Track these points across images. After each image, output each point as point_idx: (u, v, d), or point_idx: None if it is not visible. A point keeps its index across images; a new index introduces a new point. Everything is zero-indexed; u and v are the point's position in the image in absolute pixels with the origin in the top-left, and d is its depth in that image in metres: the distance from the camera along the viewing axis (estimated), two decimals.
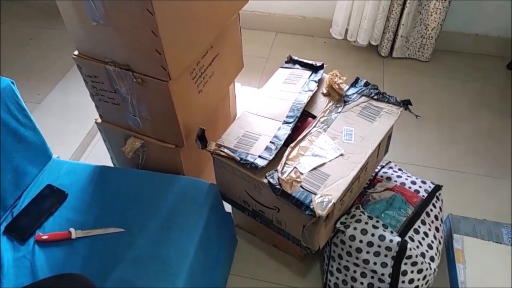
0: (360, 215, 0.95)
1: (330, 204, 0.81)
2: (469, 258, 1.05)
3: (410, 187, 1.06)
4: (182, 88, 0.84)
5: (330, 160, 0.90)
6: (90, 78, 0.90)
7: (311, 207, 0.80)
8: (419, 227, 0.98)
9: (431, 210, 1.02)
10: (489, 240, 1.09)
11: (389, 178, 1.09)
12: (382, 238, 0.90)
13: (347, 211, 0.98)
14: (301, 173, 0.87)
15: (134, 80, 0.81)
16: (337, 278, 0.99)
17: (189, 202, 0.91)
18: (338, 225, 0.94)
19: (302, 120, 1.00)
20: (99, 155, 1.13)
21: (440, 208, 1.06)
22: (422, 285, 0.94)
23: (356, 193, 1.01)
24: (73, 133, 1.44)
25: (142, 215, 0.89)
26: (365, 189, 1.06)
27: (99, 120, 1.00)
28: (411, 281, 0.91)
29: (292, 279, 1.09)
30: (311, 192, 0.83)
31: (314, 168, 0.88)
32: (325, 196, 0.82)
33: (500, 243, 1.08)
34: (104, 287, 0.78)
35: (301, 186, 0.84)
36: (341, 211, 0.96)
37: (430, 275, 0.95)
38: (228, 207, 1.11)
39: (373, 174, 1.10)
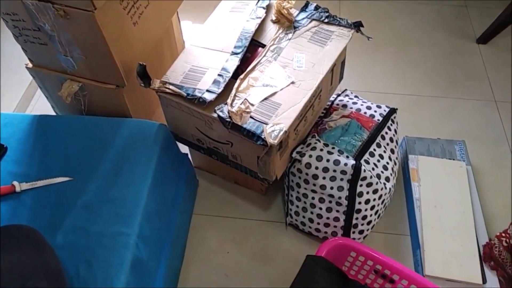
0: (316, 143, 0.95)
1: (281, 133, 0.79)
2: (423, 176, 1.08)
3: (365, 112, 1.05)
4: (112, 19, 0.77)
5: (281, 89, 0.87)
6: (9, 17, 0.80)
7: (263, 137, 0.78)
8: (374, 150, 0.99)
9: (386, 133, 1.03)
10: (442, 157, 1.12)
11: (345, 106, 1.08)
12: (337, 162, 0.91)
13: (303, 140, 0.98)
14: (252, 104, 0.84)
15: (56, 13, 0.72)
16: (297, 206, 1.01)
17: (138, 144, 0.87)
18: (294, 154, 0.94)
19: (252, 50, 0.95)
20: (48, 107, 1.06)
21: (395, 131, 1.07)
22: (378, 204, 0.97)
23: (312, 122, 1.00)
24: (13, 86, 1.34)
25: (89, 162, 0.85)
26: (321, 119, 1.05)
27: (30, 65, 0.91)
28: (367, 201, 0.94)
29: (256, 213, 1.11)
30: (262, 122, 0.81)
31: (265, 99, 0.85)
32: (277, 125, 0.80)
33: (453, 159, 1.12)
34: (56, 237, 0.76)
35: (252, 117, 0.82)
36: (297, 141, 0.95)
37: (385, 194, 0.97)
38: (184, 148, 1.08)
39: (329, 103, 1.09)
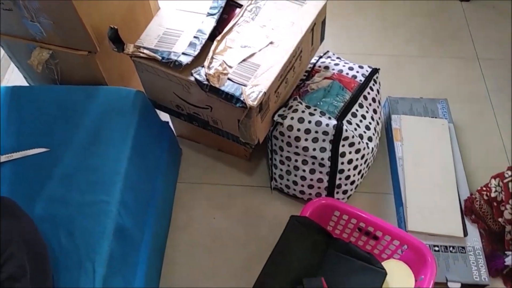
0: (297, 105, 0.93)
1: (261, 94, 0.78)
2: (406, 135, 1.09)
3: (347, 73, 1.04)
4: None
5: (260, 50, 0.84)
6: None
7: (242, 99, 0.77)
8: (357, 110, 0.98)
9: (369, 93, 1.02)
10: (425, 116, 1.13)
11: (327, 68, 1.06)
12: (318, 123, 0.90)
13: (285, 103, 0.96)
14: (230, 66, 0.81)
15: None
16: (281, 169, 1.01)
17: (115, 112, 0.84)
18: (276, 117, 0.93)
19: (228, 11, 0.91)
20: (23, 79, 1.02)
21: (378, 91, 1.06)
22: (361, 164, 0.97)
23: (293, 84, 0.99)
24: None
25: (66, 132, 0.83)
26: (303, 81, 1.03)
27: None
28: (350, 161, 0.94)
29: (241, 179, 1.11)
30: (241, 84, 0.79)
31: (243, 60, 0.83)
32: (256, 86, 0.79)
33: (436, 117, 1.12)
34: (35, 209, 0.75)
35: (230, 80, 0.80)
36: (278, 104, 0.94)
37: (368, 154, 0.97)
38: (165, 117, 1.06)
39: (311, 65, 1.07)
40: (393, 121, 1.12)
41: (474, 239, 0.94)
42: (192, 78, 0.80)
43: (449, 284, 0.88)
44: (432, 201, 0.98)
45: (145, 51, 0.83)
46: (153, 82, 0.88)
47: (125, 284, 0.78)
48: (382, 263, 0.84)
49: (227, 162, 1.13)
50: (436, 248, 0.93)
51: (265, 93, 0.78)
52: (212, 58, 0.82)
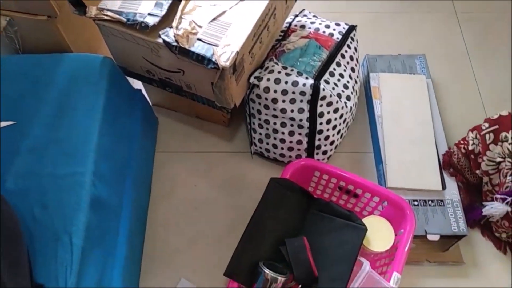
0: (273, 66, 0.91)
1: (233, 54, 0.75)
2: (384, 93, 1.08)
3: (324, 32, 1.01)
4: None
5: (231, 8, 0.81)
6: None
7: (213, 59, 0.74)
8: (334, 69, 0.96)
9: (346, 51, 1.00)
10: (403, 73, 1.11)
11: (303, 26, 1.03)
12: (295, 84, 0.88)
13: (261, 65, 0.93)
14: (199, 26, 0.78)
15: None
16: (260, 133, 0.99)
17: (82, 80, 0.81)
18: (251, 79, 0.90)
19: None
20: None
21: (355, 49, 1.04)
22: (340, 124, 0.97)
23: (268, 44, 0.95)
24: None
25: (31, 104, 0.79)
26: (279, 41, 1.00)
27: None
28: (328, 121, 0.93)
29: (220, 145, 1.09)
30: (212, 44, 0.76)
31: (214, 19, 0.79)
32: (227, 46, 0.75)
33: (414, 73, 1.11)
34: (5, 183, 0.72)
35: (201, 40, 0.76)
36: (254, 65, 0.91)
37: (347, 113, 0.96)
38: (138, 85, 1.03)
39: (287, 25, 1.04)
40: (372, 79, 1.11)
41: (453, 192, 0.95)
42: (160, 40, 0.76)
43: (428, 236, 0.90)
44: (411, 157, 0.99)
45: (109, 13, 0.78)
46: (120, 47, 0.84)
47: (106, 255, 0.77)
48: (363, 220, 0.84)
49: (206, 129, 1.11)
50: (416, 203, 0.94)
51: (237, 52, 0.75)
52: (180, 18, 0.78)
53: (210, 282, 0.91)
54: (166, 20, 0.78)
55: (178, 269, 0.93)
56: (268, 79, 0.89)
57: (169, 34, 0.76)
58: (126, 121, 0.90)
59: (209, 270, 0.92)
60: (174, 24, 0.77)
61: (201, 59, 0.74)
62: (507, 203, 0.86)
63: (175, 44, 0.75)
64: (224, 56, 0.74)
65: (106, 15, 0.78)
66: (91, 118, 0.78)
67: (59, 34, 0.83)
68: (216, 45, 0.75)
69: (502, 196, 0.87)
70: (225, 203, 1.01)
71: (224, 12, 0.80)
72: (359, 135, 1.10)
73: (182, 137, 1.10)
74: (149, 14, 0.78)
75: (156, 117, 1.09)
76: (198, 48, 0.75)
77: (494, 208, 0.89)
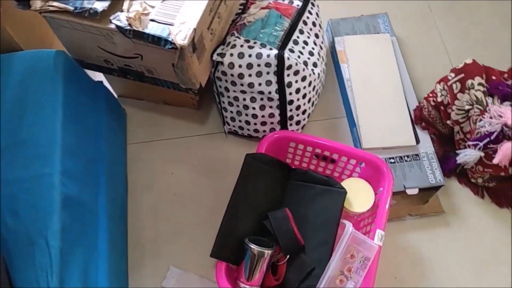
0: (235, 40, 0.89)
1: (190, 31, 0.72)
2: (350, 56, 1.07)
3: (284, 0, 0.99)
4: None
5: None
6: None
7: (170, 39, 0.71)
8: (298, 37, 0.94)
9: (308, 17, 0.98)
10: (367, 33, 1.11)
11: None
12: (259, 56, 0.86)
13: (223, 41, 0.91)
14: (152, 6, 0.75)
15: None
16: (231, 111, 0.98)
17: (37, 78, 0.77)
18: (214, 57, 0.88)
19: None
20: None
21: (317, 14, 1.02)
22: (310, 92, 0.96)
23: (228, 19, 0.93)
24: None
25: None
26: (239, 15, 0.97)
27: None
28: (297, 90, 0.92)
29: (193, 129, 1.07)
30: (168, 23, 0.73)
31: None
32: (183, 24, 0.73)
33: (378, 33, 1.11)
34: None
35: (154, 20, 0.73)
36: (215, 42, 0.88)
37: (315, 80, 0.96)
38: (100, 77, 0.99)
39: None
40: (337, 43, 1.10)
41: (427, 145, 0.97)
42: (112, 26, 0.73)
43: (407, 191, 0.91)
44: (383, 116, 0.99)
45: (54, 3, 0.74)
46: (72, 38, 0.80)
47: (87, 254, 0.75)
48: (342, 183, 0.85)
49: (176, 114, 1.08)
50: (392, 160, 0.95)
51: (194, 29, 0.72)
52: (131, 0, 0.75)
53: (199, 266, 0.91)
54: (117, 4, 0.75)
55: (166, 257, 0.92)
56: (231, 54, 0.86)
57: (120, 18, 0.73)
58: (90, 115, 0.86)
59: (197, 254, 0.92)
60: (125, 7, 0.74)
61: (158, 41, 0.71)
62: (479, 148, 0.88)
63: (128, 28, 0.71)
64: (181, 34, 0.71)
65: (52, 6, 0.74)
66: (52, 116, 0.75)
67: (7, 34, 0.78)
68: (172, 24, 0.73)
69: (474, 142, 0.88)
70: (205, 186, 1.00)
71: None
72: (331, 101, 1.10)
73: (153, 125, 1.07)
74: None
75: (123, 108, 1.06)
76: (152, 29, 0.72)
77: (467, 155, 0.91)
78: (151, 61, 0.80)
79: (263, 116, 0.95)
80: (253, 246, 0.77)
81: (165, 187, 1.00)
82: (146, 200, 0.98)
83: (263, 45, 0.88)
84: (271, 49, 0.88)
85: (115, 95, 1.08)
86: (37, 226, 0.68)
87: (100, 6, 0.73)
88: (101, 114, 0.90)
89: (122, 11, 0.74)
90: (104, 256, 0.79)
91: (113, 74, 0.90)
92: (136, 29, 0.71)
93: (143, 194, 0.99)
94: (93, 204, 0.82)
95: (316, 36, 1.00)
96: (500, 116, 0.84)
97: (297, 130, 1.01)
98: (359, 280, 0.76)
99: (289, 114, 0.95)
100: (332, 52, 1.13)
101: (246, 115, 0.96)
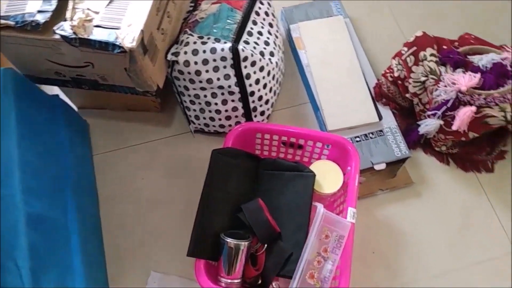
0: (188, 38, 0.88)
1: (138, 33, 0.71)
2: (307, 41, 1.08)
3: None
4: None
5: None
6: None
7: (118, 43, 0.70)
8: (252, 28, 0.94)
9: (260, 8, 0.99)
10: (321, 17, 1.12)
11: None
12: (213, 50, 0.86)
13: (176, 40, 0.90)
14: (96, 12, 0.73)
15: None
16: (194, 110, 0.97)
17: None
18: (169, 56, 0.87)
19: None
20: None
21: (269, 4, 1.03)
22: (270, 81, 0.96)
23: (178, 17, 0.92)
24: None
25: None
26: (190, 13, 0.97)
27: None
28: (257, 81, 0.92)
29: (159, 132, 1.06)
30: (114, 28, 0.72)
31: (110, 2, 0.75)
32: (130, 26, 0.72)
33: (331, 16, 1.12)
34: None
35: (100, 26, 0.72)
36: (168, 42, 0.88)
37: (274, 69, 0.96)
38: (57, 90, 0.97)
39: None
40: (292, 31, 1.10)
41: (389, 120, 0.99)
42: (57, 36, 0.71)
43: (375, 166, 0.93)
44: (344, 97, 1.01)
45: None
46: (18, 54, 0.78)
47: (62, 270, 0.74)
48: (310, 167, 0.86)
49: (140, 119, 1.07)
50: (358, 139, 0.97)
51: (142, 31, 0.72)
52: (73, 8, 0.73)
53: (180, 267, 0.90)
54: (60, 14, 0.73)
55: (145, 263, 0.92)
56: (186, 52, 0.86)
57: (65, 28, 0.71)
58: (49, 130, 0.84)
59: (177, 256, 0.91)
60: (68, 16, 0.72)
61: (105, 46, 0.70)
62: (438, 117, 0.91)
63: (73, 36, 0.70)
64: (128, 37, 0.71)
65: None
66: (6, 136, 0.72)
67: None
68: (118, 28, 0.72)
69: (432, 112, 0.91)
70: (177, 188, 0.99)
71: None
72: (293, 88, 1.10)
73: (118, 133, 1.05)
74: (39, 11, 0.72)
75: (84, 120, 1.04)
76: (99, 35, 0.71)
77: (428, 125, 0.93)
78: (103, 68, 0.79)
79: (226, 111, 0.95)
80: (229, 239, 0.77)
81: (137, 194, 0.99)
82: (119, 210, 0.97)
83: (217, 40, 0.88)
84: (225, 42, 0.88)
85: (75, 108, 1.06)
86: (4, 249, 0.66)
87: (41, 18, 0.71)
88: (61, 128, 0.88)
89: (65, 20, 0.72)
90: (80, 272, 0.77)
91: (68, 86, 0.88)
92: (82, 37, 0.70)
93: (115, 204, 0.98)
94: (63, 220, 0.80)
95: (270, 25, 1.00)
96: (454, 83, 0.87)
97: (263, 120, 1.01)
98: (336, 259, 0.77)
99: (252, 105, 0.95)
100: (289, 40, 1.14)
101: (210, 111, 0.96)
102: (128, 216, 0.96)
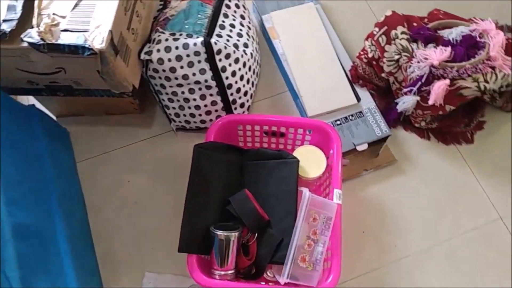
0: (160, 36, 0.88)
1: (107, 34, 0.71)
2: (280, 30, 1.09)
3: None
4: None
5: None
6: None
7: (87, 45, 0.70)
8: (223, 21, 0.94)
9: (230, 1, 0.99)
10: (292, 6, 1.12)
11: None
12: (186, 46, 0.86)
13: (148, 39, 0.90)
14: (62, 16, 0.73)
15: None
16: (174, 107, 0.97)
17: None
18: (142, 56, 0.87)
19: None
20: None
21: None
22: (247, 72, 0.96)
23: (148, 16, 0.92)
24: None
25: None
26: (161, 11, 0.96)
27: None
28: (233, 73, 0.92)
29: (141, 134, 1.05)
30: (82, 31, 0.71)
31: (75, 6, 0.74)
32: (98, 27, 0.71)
33: (303, 3, 1.13)
34: None
35: (68, 30, 0.71)
36: (139, 42, 0.87)
37: (249, 60, 0.96)
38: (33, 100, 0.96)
39: None
40: (265, 21, 1.11)
41: (367, 101, 1.00)
42: (24, 44, 0.70)
43: (358, 147, 0.94)
44: (321, 82, 1.01)
45: None
46: None
47: (53, 279, 0.74)
48: (293, 153, 0.87)
49: (121, 123, 1.06)
50: (338, 122, 0.98)
51: (110, 31, 0.71)
52: (39, 15, 0.72)
53: (174, 265, 0.90)
54: (26, 21, 0.72)
55: (139, 265, 0.91)
56: (158, 50, 0.86)
57: (32, 35, 0.70)
58: (27, 141, 0.83)
59: (169, 255, 0.91)
60: (35, 22, 0.71)
61: (75, 49, 0.70)
62: (414, 93, 0.92)
63: (41, 42, 0.69)
64: (97, 39, 0.70)
65: None
66: None
67: None
68: (86, 31, 0.71)
69: (408, 89, 0.92)
70: (164, 187, 0.99)
71: None
72: (271, 78, 1.11)
73: (99, 139, 1.05)
74: (4, 20, 0.71)
75: (64, 128, 1.03)
76: (67, 39, 0.70)
77: (405, 102, 0.94)
78: (76, 73, 0.79)
79: (205, 106, 0.95)
80: (219, 232, 0.77)
81: (124, 197, 0.98)
82: (107, 214, 0.97)
83: (189, 35, 0.88)
84: (197, 37, 0.88)
85: (53, 117, 1.05)
86: None
87: (7, 27, 0.70)
88: (40, 138, 0.87)
89: (32, 27, 0.71)
90: (72, 277, 0.77)
91: (42, 94, 0.87)
92: (50, 42, 0.69)
93: (104, 209, 0.97)
94: (50, 229, 0.79)
95: (242, 17, 1.01)
96: (426, 58, 0.88)
97: (243, 112, 1.01)
98: (326, 240, 0.78)
99: (231, 98, 0.95)
100: (263, 31, 1.14)
101: (189, 107, 0.96)
102: (117, 220, 0.96)
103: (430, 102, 0.89)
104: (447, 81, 0.86)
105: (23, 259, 0.67)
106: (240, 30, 0.97)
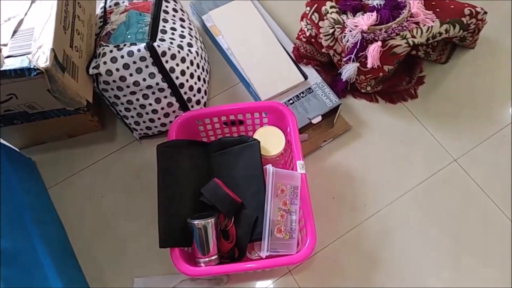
0: (104, 49, 0.90)
1: (49, 52, 0.73)
2: (221, 27, 1.13)
3: None
4: None
5: (26, 14, 0.78)
6: None
7: (32, 66, 0.72)
8: (164, 26, 0.98)
9: (167, 6, 1.02)
10: (229, 1, 1.17)
11: (117, 4, 1.03)
12: (130, 53, 0.89)
13: (94, 55, 0.93)
14: (4, 45, 0.75)
15: None
16: (132, 116, 1.00)
17: None
18: (91, 71, 0.89)
19: None
20: None
21: (176, 1, 1.07)
22: (196, 70, 1.00)
23: (90, 33, 0.94)
24: None
25: None
26: (102, 28, 0.99)
27: None
28: (182, 72, 0.96)
29: (106, 149, 1.07)
30: (25, 54, 0.74)
31: (14, 32, 0.76)
32: (40, 48, 0.74)
33: None
34: None
35: (12, 56, 0.73)
36: (85, 58, 0.90)
37: (196, 58, 1.00)
38: None
39: (102, 10, 1.03)
40: (206, 21, 1.15)
41: (314, 77, 1.06)
42: None
43: (313, 121, 1.00)
44: (268, 67, 1.07)
45: None
46: None
47: None
48: (254, 136, 0.91)
49: (84, 142, 1.08)
50: (291, 101, 1.03)
51: (52, 49, 0.74)
52: None
53: (160, 267, 0.93)
54: None
55: (127, 272, 0.93)
56: (105, 62, 0.88)
57: None
58: None
59: (154, 257, 0.93)
60: None
61: (21, 72, 0.72)
62: (353, 60, 0.99)
63: None
64: (41, 58, 0.72)
65: None
66: None
67: None
68: (29, 53, 0.73)
69: (347, 58, 0.99)
70: (137, 195, 1.01)
71: (22, 20, 0.77)
72: (223, 73, 1.15)
73: (65, 163, 1.06)
74: None
75: (29, 158, 1.03)
76: (12, 64, 0.72)
77: (348, 70, 1.01)
78: (27, 96, 0.80)
79: (162, 108, 0.98)
80: (196, 221, 0.81)
81: (100, 212, 1.00)
82: (86, 231, 0.98)
83: (132, 44, 0.91)
84: (141, 44, 0.91)
85: (16, 149, 1.05)
86: None
87: None
88: (7, 169, 0.88)
89: None
90: None
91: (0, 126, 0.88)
92: None
93: (82, 226, 0.98)
94: (32, 253, 0.80)
95: (182, 20, 1.05)
96: (356, 25, 0.95)
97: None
98: (296, 208, 0.82)
99: (185, 97, 0.99)
100: (205, 30, 1.18)
101: (147, 113, 0.98)
102: (98, 235, 0.97)
103: (369, 65, 0.96)
104: (379, 43, 0.93)
105: (9, 283, 0.68)
106: (182, 32, 1.01)
